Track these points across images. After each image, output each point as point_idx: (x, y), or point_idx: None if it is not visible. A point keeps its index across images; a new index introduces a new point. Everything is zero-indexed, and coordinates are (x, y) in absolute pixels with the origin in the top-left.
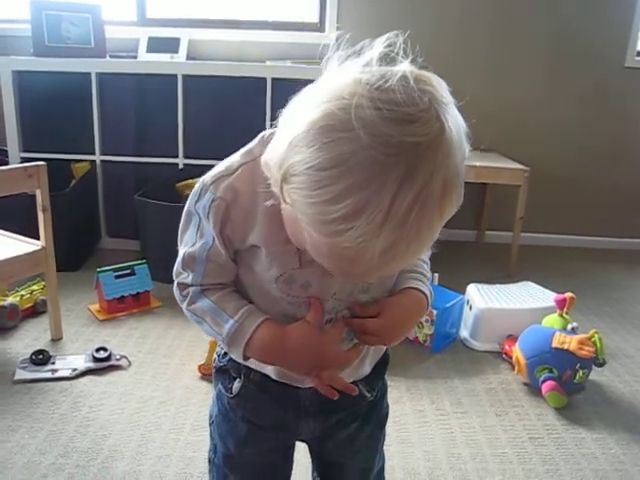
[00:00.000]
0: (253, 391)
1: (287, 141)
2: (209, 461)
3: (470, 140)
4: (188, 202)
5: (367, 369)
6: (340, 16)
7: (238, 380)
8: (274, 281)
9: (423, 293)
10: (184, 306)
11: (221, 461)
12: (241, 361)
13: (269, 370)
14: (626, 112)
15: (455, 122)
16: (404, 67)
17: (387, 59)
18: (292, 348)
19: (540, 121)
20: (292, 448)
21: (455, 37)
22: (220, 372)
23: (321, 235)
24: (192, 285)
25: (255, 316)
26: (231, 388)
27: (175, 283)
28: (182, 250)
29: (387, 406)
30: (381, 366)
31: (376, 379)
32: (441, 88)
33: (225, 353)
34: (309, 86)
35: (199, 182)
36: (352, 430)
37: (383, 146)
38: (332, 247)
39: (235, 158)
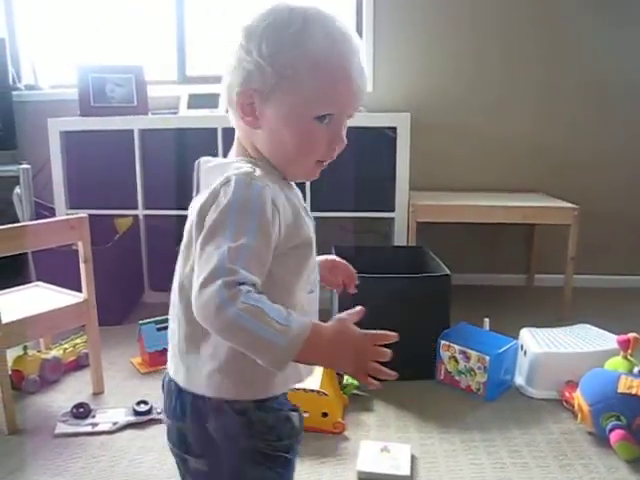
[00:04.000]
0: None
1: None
2: None
3: None
4: (228, 196)
5: None
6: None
7: (293, 412)
8: (303, 261)
9: None
10: (232, 309)
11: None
12: (279, 369)
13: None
14: None
15: None
16: None
17: None
18: (340, 345)
19: (585, 157)
20: None
21: (495, 77)
22: (279, 419)
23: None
24: (243, 283)
25: (302, 316)
26: (291, 425)
27: (216, 285)
28: (225, 245)
29: None
30: None
31: None
32: None
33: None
34: None
35: (234, 177)
36: None
37: None
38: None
39: (243, 167)
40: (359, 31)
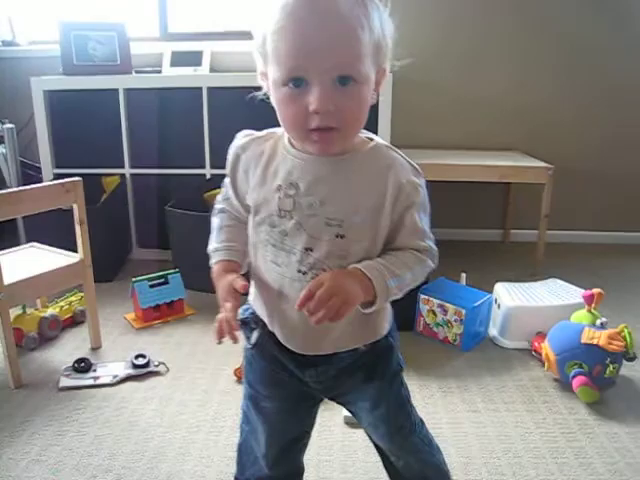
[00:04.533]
0: (268, 340)
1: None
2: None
3: None
4: None
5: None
6: None
7: (257, 330)
8: (262, 222)
9: (369, 279)
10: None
11: (248, 403)
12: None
13: (274, 329)
14: None
15: None
16: None
17: None
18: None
19: (562, 117)
20: (315, 406)
21: (475, 36)
22: (243, 324)
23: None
24: (218, 202)
25: (224, 253)
26: (250, 338)
27: None
28: None
29: (398, 363)
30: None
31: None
32: None
33: (247, 308)
34: None
35: None
36: (358, 382)
37: None
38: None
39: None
40: None
